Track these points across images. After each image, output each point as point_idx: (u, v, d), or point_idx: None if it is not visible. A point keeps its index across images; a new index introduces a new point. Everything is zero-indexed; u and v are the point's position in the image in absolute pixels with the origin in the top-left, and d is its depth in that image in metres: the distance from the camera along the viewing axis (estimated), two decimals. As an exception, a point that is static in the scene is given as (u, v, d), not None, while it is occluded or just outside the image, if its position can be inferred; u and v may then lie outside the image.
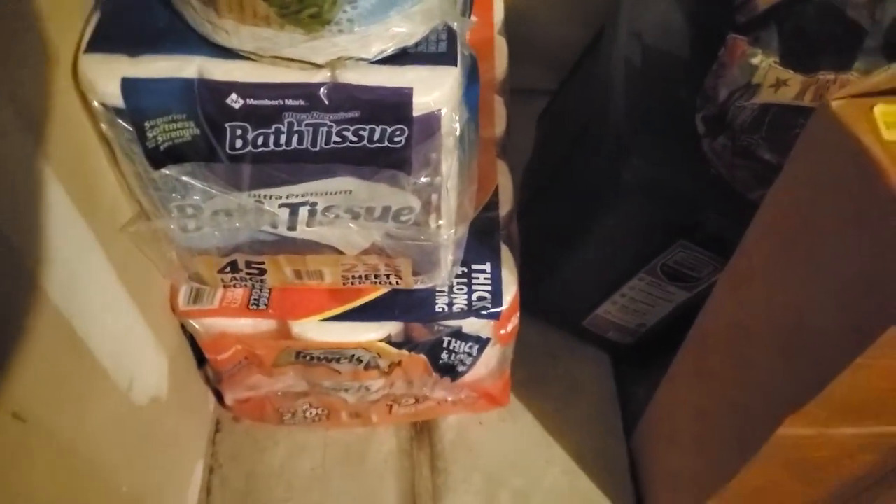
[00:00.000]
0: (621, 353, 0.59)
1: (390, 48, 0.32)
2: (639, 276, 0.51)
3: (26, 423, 0.28)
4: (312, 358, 0.45)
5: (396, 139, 0.33)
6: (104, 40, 0.32)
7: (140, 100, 0.32)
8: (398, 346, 0.44)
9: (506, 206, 0.49)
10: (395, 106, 0.32)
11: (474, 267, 0.45)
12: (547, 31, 0.69)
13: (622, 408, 0.58)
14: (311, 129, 0.33)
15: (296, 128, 0.33)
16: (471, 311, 0.44)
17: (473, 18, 0.58)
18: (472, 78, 0.36)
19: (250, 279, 0.43)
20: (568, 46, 0.67)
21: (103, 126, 0.33)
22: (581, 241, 0.52)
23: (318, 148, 0.33)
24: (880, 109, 0.27)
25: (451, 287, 0.45)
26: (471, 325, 0.44)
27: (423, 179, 0.35)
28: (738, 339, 0.38)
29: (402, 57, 0.32)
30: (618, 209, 0.48)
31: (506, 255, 0.46)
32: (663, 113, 0.50)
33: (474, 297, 0.44)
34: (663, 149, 0.48)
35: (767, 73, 0.47)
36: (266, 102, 0.32)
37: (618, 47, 0.52)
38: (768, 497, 0.40)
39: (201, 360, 0.49)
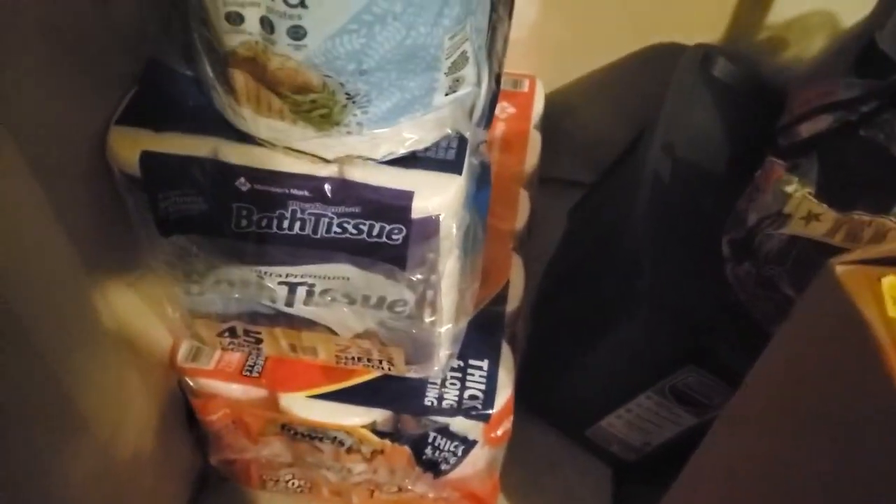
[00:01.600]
0: (623, 469, 0.57)
1: (399, 151, 0.33)
2: (646, 395, 0.49)
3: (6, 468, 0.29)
4: (297, 433, 0.44)
5: (394, 237, 0.33)
6: (135, 114, 0.34)
7: (156, 172, 0.33)
8: (382, 434, 0.43)
9: (514, 302, 0.49)
10: (395, 207, 0.32)
11: (471, 362, 0.45)
12: (587, 126, 0.69)
13: (618, 525, 0.55)
14: (313, 217, 0.33)
15: (299, 215, 0.33)
16: (460, 409, 0.43)
17: (509, 113, 0.59)
18: (482, 183, 0.37)
19: (248, 345, 0.43)
20: (608, 143, 0.67)
21: (121, 191, 0.35)
22: (591, 349, 0.51)
23: (318, 236, 0.34)
24: (889, 282, 0.26)
25: (444, 380, 0.44)
26: (459, 425, 0.43)
27: (418, 276, 0.35)
28: (727, 483, 0.36)
29: (409, 159, 0.33)
30: (629, 322, 0.47)
31: (506, 354, 0.46)
32: (687, 231, 0.49)
33: (466, 394, 0.43)
34: (682, 268, 0.47)
35: (801, 204, 0.45)
36: (273, 189, 0.32)
37: (650, 156, 0.51)
38: None
39: (192, 417, 0.49)
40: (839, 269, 0.27)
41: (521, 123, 0.59)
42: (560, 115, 0.65)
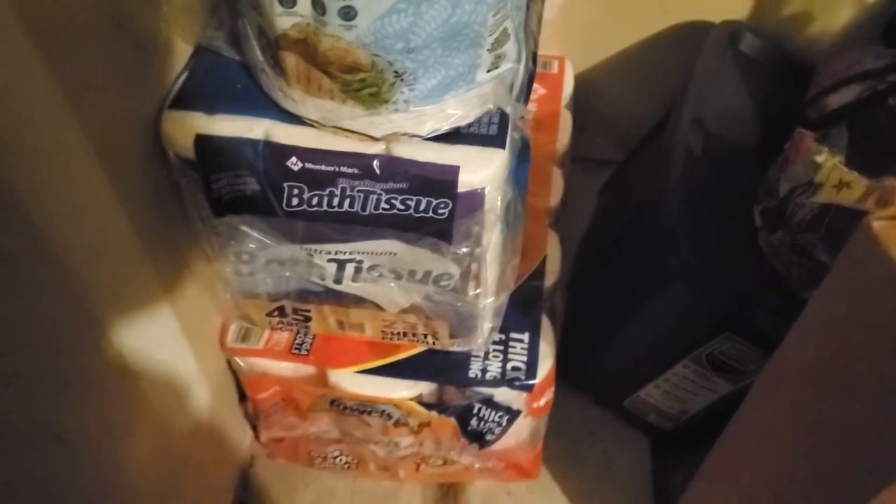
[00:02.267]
0: (661, 438, 0.58)
1: (444, 127, 0.34)
2: (683, 363, 0.50)
3: (69, 446, 0.31)
4: (346, 408, 0.46)
5: (440, 211, 0.35)
6: (187, 98, 0.35)
7: (210, 154, 0.34)
8: (429, 406, 0.45)
9: (552, 277, 0.50)
10: (441, 181, 0.33)
11: (513, 335, 0.46)
12: (616, 105, 0.70)
13: (656, 494, 0.56)
14: (361, 195, 0.35)
15: (348, 192, 0.35)
16: (503, 380, 0.44)
17: (540, 94, 0.60)
18: (521, 157, 0.38)
19: (296, 324, 0.45)
20: (637, 121, 0.67)
21: (176, 174, 0.36)
22: (627, 322, 0.52)
23: (367, 212, 0.35)
24: (925, 234, 0.27)
25: (487, 353, 0.45)
26: (502, 395, 0.45)
27: (464, 249, 0.37)
28: (769, 444, 0.37)
29: (453, 136, 0.34)
30: (664, 295, 0.47)
31: (546, 327, 0.47)
32: (719, 202, 0.49)
33: (509, 366, 0.44)
34: (716, 239, 0.47)
35: (831, 173, 0.46)
36: (323, 168, 0.34)
37: (679, 132, 0.52)
38: None
39: (242, 396, 0.51)
40: (876, 224, 0.28)
41: (551, 104, 0.60)
42: (589, 95, 0.66)
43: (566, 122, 0.60)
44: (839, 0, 0.60)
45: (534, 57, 0.38)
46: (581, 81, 0.64)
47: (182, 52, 0.37)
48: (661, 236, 0.48)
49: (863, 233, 0.28)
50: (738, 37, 0.59)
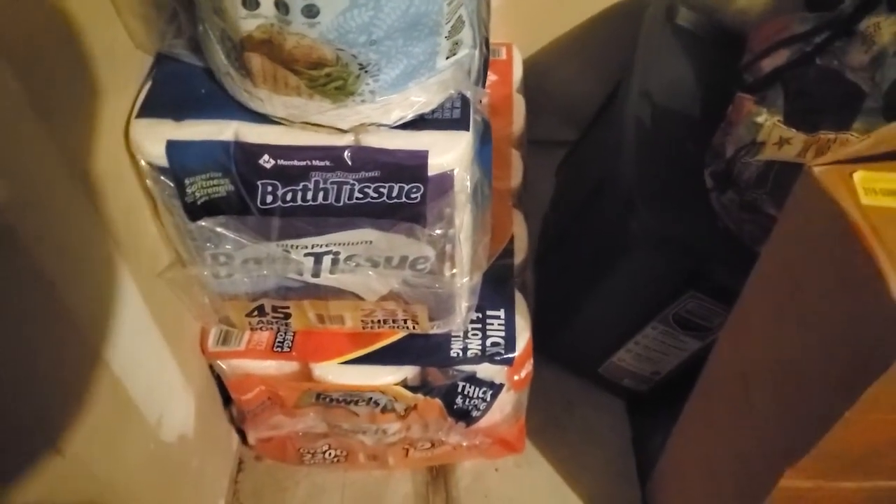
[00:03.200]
0: (637, 400, 0.60)
1: (409, 115, 0.35)
2: (651, 325, 0.53)
3: (65, 457, 0.31)
4: (332, 400, 0.47)
5: (413, 196, 0.36)
6: (153, 106, 0.36)
7: (182, 159, 0.35)
8: (414, 389, 0.46)
9: (520, 254, 0.51)
10: (412, 167, 0.35)
11: (489, 313, 0.48)
12: (565, 86, 0.72)
13: (637, 455, 0.58)
14: (335, 186, 0.35)
15: (321, 185, 0.35)
16: (485, 356, 0.45)
17: (491, 80, 0.62)
18: (484, 139, 0.39)
19: (276, 322, 0.46)
20: (585, 99, 0.70)
21: (148, 182, 0.36)
22: (595, 291, 0.54)
23: (341, 203, 0.36)
24: (860, 176, 0.29)
25: (465, 332, 0.47)
26: (485, 371, 0.46)
27: (438, 231, 0.38)
28: (740, 388, 0.39)
29: (419, 122, 0.35)
30: (629, 261, 0.50)
31: (520, 302, 0.49)
32: (672, 168, 0.52)
33: (488, 342, 0.46)
34: (672, 203, 0.50)
35: (772, 132, 0.49)
36: (295, 163, 0.35)
37: (629, 105, 0.54)
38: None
39: (227, 400, 0.52)
40: (816, 170, 0.30)
41: (503, 88, 0.61)
42: (539, 78, 0.68)
43: (519, 105, 0.61)
44: (763, -29, 0.63)
45: (486, 42, 0.40)
46: (530, 65, 0.66)
47: (143, 61, 0.37)
48: (620, 205, 0.50)
49: (805, 179, 0.31)
50: (674, 11, 0.62)
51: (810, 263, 0.31)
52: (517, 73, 0.64)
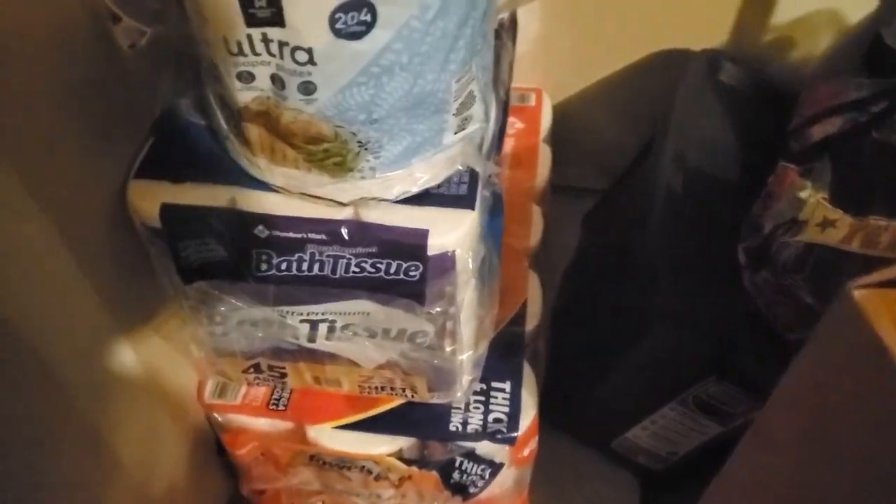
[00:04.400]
0: (652, 478, 0.57)
1: (413, 190, 0.33)
2: (670, 406, 0.50)
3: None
4: (325, 462, 0.45)
5: (412, 274, 0.34)
6: (152, 166, 0.35)
7: (176, 223, 0.34)
8: (409, 462, 0.44)
9: (533, 320, 0.49)
10: (411, 245, 0.33)
11: (494, 385, 0.45)
12: (596, 134, 0.69)
13: (648, 535, 0.55)
14: (331, 259, 0.34)
15: (317, 258, 0.34)
16: (485, 433, 0.43)
17: (517, 128, 0.60)
18: (494, 212, 0.37)
19: (273, 380, 0.44)
20: (618, 149, 0.67)
21: (143, 242, 0.35)
22: (611, 363, 0.51)
23: (337, 276, 0.35)
24: (909, 305, 0.26)
25: (467, 404, 0.44)
26: (485, 448, 0.44)
27: (437, 310, 0.36)
28: (757, 496, 0.36)
29: (423, 196, 0.33)
30: (649, 338, 0.47)
31: (528, 375, 0.46)
32: (702, 241, 0.49)
33: (490, 417, 0.44)
34: (698, 279, 0.47)
35: (815, 210, 0.45)
36: (290, 235, 0.33)
37: (660, 168, 0.51)
38: None
39: (220, 445, 0.50)
40: (857, 293, 0.27)
41: (529, 138, 0.59)
42: (569, 125, 0.65)
43: (545, 156, 0.59)
44: (820, 25, 0.59)
45: (505, 107, 0.38)
46: (560, 112, 0.64)
47: (147, 118, 0.36)
48: (642, 274, 0.48)
49: (844, 301, 0.28)
50: (718, 65, 0.59)
51: (846, 394, 0.28)
52: (545, 121, 0.61)
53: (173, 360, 0.42)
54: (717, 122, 0.57)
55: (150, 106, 0.36)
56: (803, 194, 0.46)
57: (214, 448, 0.50)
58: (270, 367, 0.43)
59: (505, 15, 0.39)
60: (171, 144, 0.35)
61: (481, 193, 0.34)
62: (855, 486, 0.28)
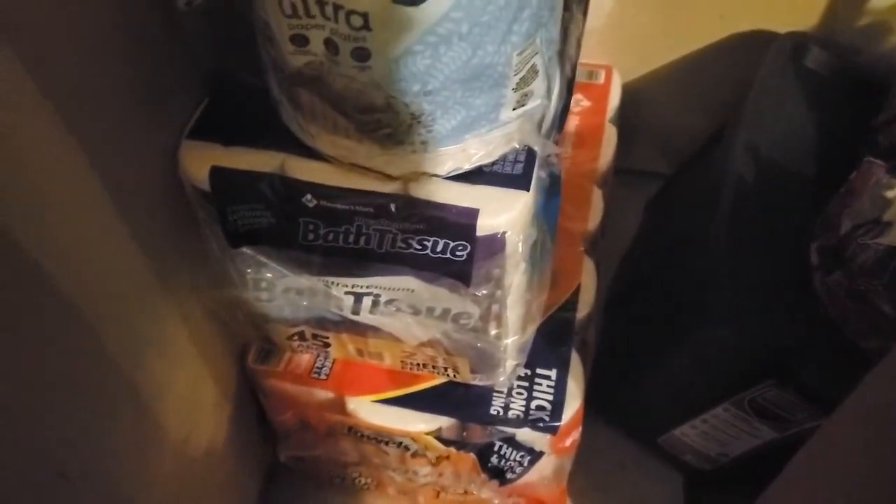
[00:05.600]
0: (697, 478, 0.55)
1: (465, 167, 0.32)
2: (723, 407, 0.47)
3: (72, 482, 0.30)
4: (363, 435, 0.45)
5: (459, 253, 0.33)
6: (204, 128, 0.34)
7: (225, 187, 0.33)
8: (447, 442, 0.43)
9: (585, 308, 0.47)
10: (459, 224, 0.32)
11: (539, 371, 0.44)
12: (667, 117, 0.66)
13: (690, 537, 0.53)
14: (377, 233, 0.33)
15: (364, 230, 0.33)
16: (526, 420, 0.42)
17: (583, 106, 0.57)
18: (551, 193, 0.35)
19: (316, 348, 0.44)
20: (688, 134, 0.64)
21: (192, 205, 0.35)
22: (665, 357, 0.49)
23: (383, 250, 0.34)
24: None
25: (510, 389, 0.43)
26: (525, 435, 0.43)
27: (483, 292, 0.35)
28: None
29: (475, 173, 0.32)
30: (704, 335, 0.44)
31: (575, 364, 0.45)
32: (771, 235, 0.46)
33: (533, 405, 0.43)
34: (764, 276, 0.44)
35: (902, 212, 0.42)
36: (338, 206, 0.32)
37: (731, 156, 0.48)
38: None
39: (262, 411, 0.51)
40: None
41: (596, 117, 0.57)
42: (638, 105, 0.63)
43: (610, 137, 0.57)
44: (920, 11, 0.55)
45: (570, 85, 0.36)
46: (629, 91, 0.61)
47: (200, 78, 0.36)
48: (703, 270, 0.45)
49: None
50: (804, 50, 0.55)
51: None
52: (614, 100, 0.59)
53: (216, 325, 0.43)
54: (799, 111, 0.53)
55: (204, 66, 0.35)
56: (890, 193, 0.43)
57: (255, 413, 0.51)
58: (314, 336, 0.42)
59: (576, -15, 0.37)
60: (223, 106, 0.35)
61: (537, 174, 0.33)
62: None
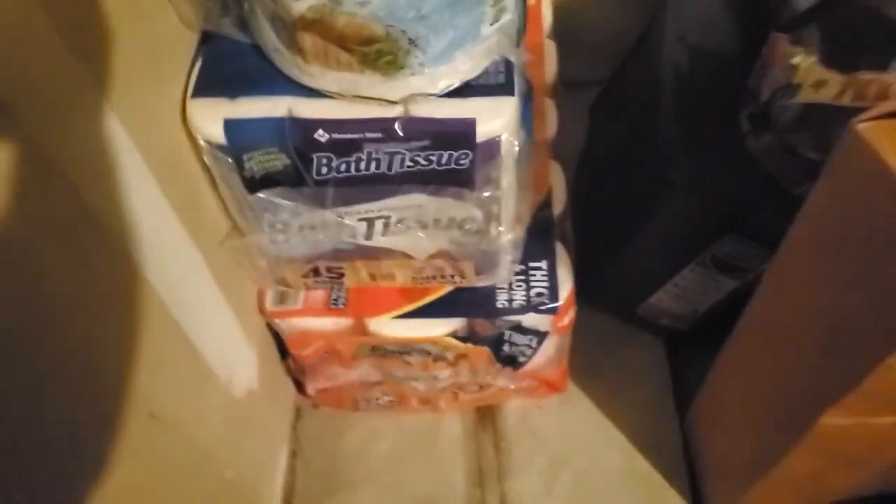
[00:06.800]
0: (676, 339, 0.62)
1: (455, 83, 0.36)
2: (690, 268, 0.54)
3: (161, 421, 0.34)
4: (386, 351, 0.50)
5: (462, 162, 0.37)
6: (206, 86, 0.37)
7: (239, 137, 0.36)
8: (463, 339, 0.48)
9: (559, 205, 0.53)
10: (460, 134, 0.36)
11: (531, 265, 0.49)
12: (596, 25, 0.71)
13: (676, 390, 0.61)
14: (387, 156, 0.37)
15: (374, 156, 0.37)
16: (530, 306, 0.47)
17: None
18: (527, 98, 0.40)
19: (330, 282, 0.48)
20: (619, 38, 0.68)
21: (206, 159, 0.38)
22: (633, 235, 0.55)
23: (393, 172, 0.38)
24: (909, 130, 0.30)
25: (510, 284, 0.48)
26: (530, 320, 0.48)
27: (486, 194, 0.39)
28: (782, 334, 0.41)
29: (465, 90, 0.36)
30: (668, 209, 0.51)
31: (561, 252, 0.50)
32: (710, 113, 0.52)
33: (532, 293, 0.48)
34: (710, 148, 0.50)
35: (808, 73, 0.48)
36: (349, 136, 0.36)
37: (665, 51, 0.54)
38: (812, 480, 0.43)
39: (282, 353, 0.55)
40: (861, 126, 0.30)
41: (534, 36, 0.61)
42: (568, 19, 0.67)
43: (551, 52, 0.61)
44: None
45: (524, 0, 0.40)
46: (560, 8, 0.65)
47: (190, 39, 0.38)
48: (658, 152, 0.51)
49: (848, 136, 0.31)
50: (709, -57, 0.60)
51: (855, 221, 0.32)
52: (547, 17, 0.63)
53: (238, 275, 0.46)
54: (709, 4, 0.59)
55: (194, 27, 0.37)
56: (795, 60, 0.49)
57: (278, 355, 0.55)
58: (329, 269, 0.46)
59: None
60: (220, 63, 0.37)
61: (517, 80, 0.37)
62: (868, 304, 0.32)
